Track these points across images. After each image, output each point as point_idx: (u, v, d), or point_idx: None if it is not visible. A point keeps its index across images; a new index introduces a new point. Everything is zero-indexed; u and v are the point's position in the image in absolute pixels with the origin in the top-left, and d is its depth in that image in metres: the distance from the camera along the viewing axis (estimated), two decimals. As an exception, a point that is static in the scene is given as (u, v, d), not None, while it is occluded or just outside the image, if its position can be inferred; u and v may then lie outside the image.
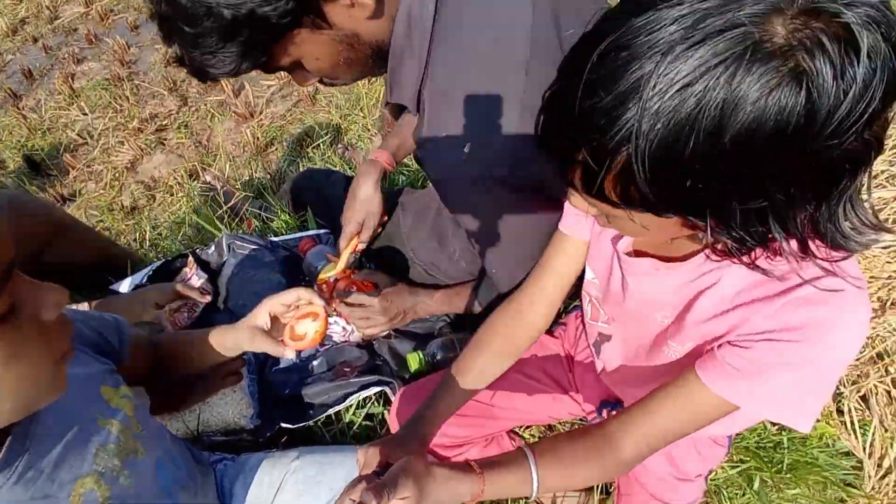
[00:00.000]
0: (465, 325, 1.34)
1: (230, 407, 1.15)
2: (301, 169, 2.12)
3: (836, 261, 0.53)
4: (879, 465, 1.21)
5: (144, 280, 1.39)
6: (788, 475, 1.17)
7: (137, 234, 2.07)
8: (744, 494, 1.18)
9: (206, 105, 2.61)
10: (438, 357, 1.20)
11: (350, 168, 2.10)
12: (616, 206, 0.52)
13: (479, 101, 0.83)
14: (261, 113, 2.56)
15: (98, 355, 0.78)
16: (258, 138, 2.40)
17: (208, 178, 2.03)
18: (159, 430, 0.83)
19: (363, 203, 1.23)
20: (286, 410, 1.17)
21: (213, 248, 1.43)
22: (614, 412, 0.97)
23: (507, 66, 0.82)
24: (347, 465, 0.97)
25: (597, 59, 0.47)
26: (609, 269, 0.82)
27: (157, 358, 0.97)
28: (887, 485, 1.20)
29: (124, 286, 1.38)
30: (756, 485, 1.15)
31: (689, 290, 0.70)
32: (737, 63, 0.42)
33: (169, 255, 1.92)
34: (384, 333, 1.31)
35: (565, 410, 1.12)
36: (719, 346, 0.65)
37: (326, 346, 1.31)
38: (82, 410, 0.69)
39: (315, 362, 1.25)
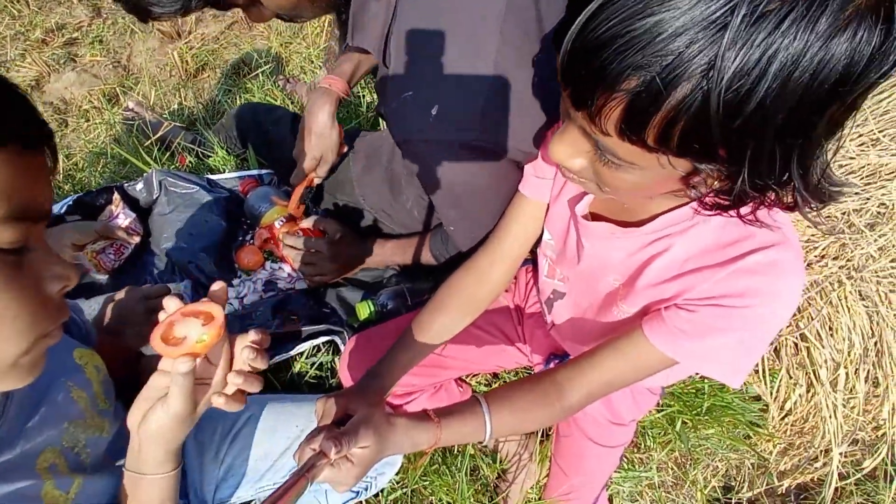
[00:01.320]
0: (416, 275, 1.33)
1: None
2: (239, 102, 1.96)
3: (819, 209, 0.53)
4: (782, 408, 1.36)
5: (62, 210, 1.26)
6: (706, 417, 1.29)
7: (48, 163, 1.86)
8: (666, 434, 1.29)
9: (123, 19, 2.33)
10: (389, 306, 1.18)
11: (293, 103, 1.97)
12: (649, 150, 0.49)
13: (450, 60, 0.78)
14: (189, 33, 2.32)
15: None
16: (187, 62, 2.18)
17: (131, 105, 1.83)
18: (118, 409, 0.78)
19: (320, 136, 1.15)
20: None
21: (141, 184, 1.31)
22: (562, 364, 1.01)
23: (479, 23, 0.77)
24: (303, 413, 0.95)
25: None
26: (566, 231, 0.83)
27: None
28: (786, 424, 1.36)
29: (38, 222, 1.24)
30: (678, 426, 1.26)
31: (641, 255, 0.72)
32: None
33: (87, 186, 1.75)
34: (331, 281, 1.28)
35: (512, 360, 1.16)
36: (666, 307, 0.69)
37: (272, 293, 1.26)
38: (56, 377, 0.66)
39: (260, 309, 1.20)
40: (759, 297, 0.62)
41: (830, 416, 1.29)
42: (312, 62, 2.16)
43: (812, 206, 0.52)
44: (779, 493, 1.41)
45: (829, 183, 0.50)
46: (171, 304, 0.62)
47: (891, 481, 1.33)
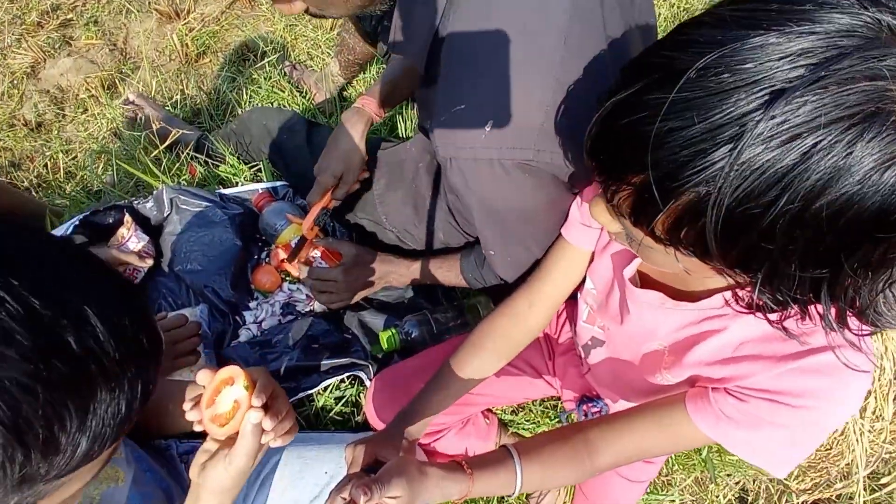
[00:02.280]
0: (437, 296, 1.29)
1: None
2: (245, 93, 1.86)
3: (865, 334, 0.51)
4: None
5: (69, 231, 1.20)
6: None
7: (48, 160, 1.78)
8: (691, 460, 1.28)
9: (119, -4, 2.19)
10: (414, 335, 1.15)
11: (301, 93, 1.87)
12: (658, 242, 0.48)
13: (507, 71, 0.70)
14: (188, 13, 2.18)
15: None
16: (187, 45, 2.07)
17: (131, 97, 1.74)
18: (131, 450, 0.75)
19: (345, 155, 1.09)
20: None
21: (151, 201, 1.25)
22: (595, 408, 0.99)
23: (543, 30, 0.69)
24: (331, 458, 0.93)
25: (696, 73, 0.39)
26: (609, 288, 0.79)
27: None
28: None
29: (45, 241, 1.18)
30: (704, 453, 1.25)
31: (693, 330, 0.68)
32: (862, 125, 0.36)
33: (90, 186, 1.68)
34: (348, 305, 1.23)
35: (540, 392, 1.13)
36: (714, 388, 0.65)
37: (290, 318, 1.23)
38: None
39: (279, 336, 1.17)
40: (820, 399, 0.58)
41: (857, 442, 1.28)
42: (320, 47, 2.05)
43: (853, 329, 0.48)
44: (796, 505, 1.42)
45: (887, 308, 0.46)
46: (203, 377, 0.63)
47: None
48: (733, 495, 1.39)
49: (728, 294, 0.61)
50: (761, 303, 0.51)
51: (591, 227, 0.79)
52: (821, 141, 0.36)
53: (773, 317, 0.52)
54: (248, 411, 0.60)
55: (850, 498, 1.36)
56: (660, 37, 0.48)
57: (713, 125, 0.38)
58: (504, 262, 0.95)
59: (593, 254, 0.81)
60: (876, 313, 0.46)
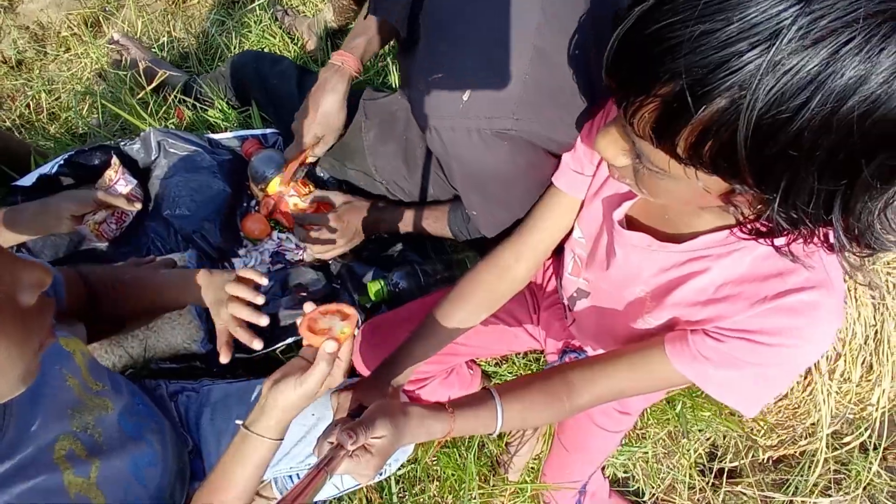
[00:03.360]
0: (426, 249, 1.30)
1: (178, 331, 1.08)
2: (235, 37, 1.81)
3: (864, 256, 0.51)
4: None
5: (54, 170, 1.18)
6: (703, 400, 1.33)
7: (31, 100, 1.73)
8: (665, 415, 1.33)
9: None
10: (401, 286, 1.16)
11: (293, 41, 1.82)
12: (679, 161, 0.47)
13: (485, 40, 0.70)
14: (175, -52, 2.09)
15: None
16: (174, -15, 1.99)
17: (116, 37, 1.68)
18: (115, 383, 0.77)
19: (325, 116, 1.07)
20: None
21: (138, 143, 1.22)
22: (577, 358, 1.01)
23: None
24: (318, 402, 0.96)
25: None
26: (598, 234, 0.80)
27: (88, 289, 0.87)
28: (780, 407, 1.41)
29: (28, 180, 1.17)
30: (678, 408, 1.30)
31: (675, 273, 0.69)
32: (892, 24, 0.36)
33: (74, 128, 1.64)
34: (341, 253, 1.24)
35: (524, 344, 1.16)
36: (693, 330, 0.67)
37: (279, 266, 1.23)
38: (51, 365, 0.66)
39: (268, 283, 1.17)
40: (793, 338, 0.60)
41: (823, 402, 1.33)
42: (313, -8, 1.98)
43: (855, 251, 0.49)
44: (759, 462, 1.49)
45: (882, 230, 0.46)
46: (308, 306, 0.73)
47: (866, 454, 1.41)
48: (703, 450, 1.46)
49: (720, 233, 0.62)
50: (766, 229, 0.52)
51: (582, 173, 0.79)
52: (855, 37, 0.36)
53: (780, 242, 0.52)
54: (326, 342, 0.66)
55: (813, 454, 1.43)
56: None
57: (748, 24, 0.37)
58: (487, 221, 0.96)
59: (582, 203, 0.82)
60: (873, 235, 0.46)
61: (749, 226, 0.54)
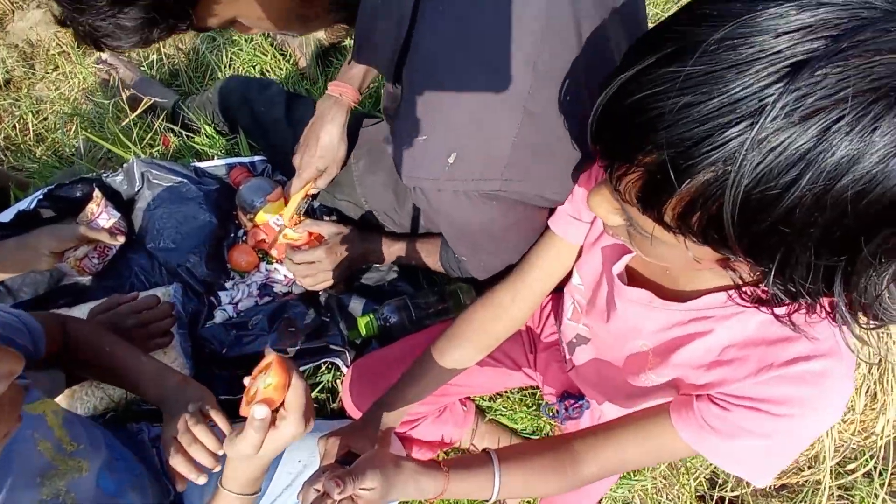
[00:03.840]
0: (418, 280, 1.27)
1: (161, 370, 1.05)
2: (225, 55, 1.78)
3: (872, 328, 0.48)
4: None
5: (33, 205, 1.15)
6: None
7: (18, 121, 1.70)
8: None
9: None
10: (392, 320, 1.13)
11: (284, 56, 1.79)
12: (667, 230, 0.45)
13: (473, 99, 0.66)
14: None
15: None
16: (165, 0, 1.95)
17: (104, 56, 1.65)
18: (93, 439, 0.75)
19: (327, 149, 1.06)
20: (225, 376, 1.08)
21: (121, 175, 1.19)
22: (576, 405, 0.98)
23: (510, 54, 0.65)
24: (305, 447, 0.93)
25: (712, 45, 0.37)
26: (597, 283, 0.77)
27: (65, 336, 0.84)
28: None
29: (6, 216, 1.14)
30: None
31: (679, 331, 0.66)
32: (888, 99, 0.34)
33: (61, 150, 1.61)
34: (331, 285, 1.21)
35: (519, 383, 1.13)
36: (698, 397, 0.65)
37: (268, 299, 1.20)
38: (20, 433, 0.63)
39: (256, 318, 1.14)
40: (802, 408, 0.57)
41: (826, 434, 1.30)
42: (306, 8, 1.94)
43: (861, 324, 0.46)
44: (762, 490, 1.46)
45: (892, 300, 0.43)
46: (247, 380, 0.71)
47: (871, 480, 1.38)
48: (704, 477, 1.43)
49: (725, 293, 0.59)
50: (766, 297, 0.49)
51: (580, 220, 0.76)
52: (845, 115, 0.34)
53: (780, 311, 0.50)
54: (254, 405, 0.63)
55: (818, 482, 1.39)
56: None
57: (732, 99, 0.36)
58: (477, 268, 0.94)
59: (581, 248, 0.79)
60: (882, 307, 0.44)
61: (749, 291, 0.51)
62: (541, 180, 0.74)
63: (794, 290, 0.44)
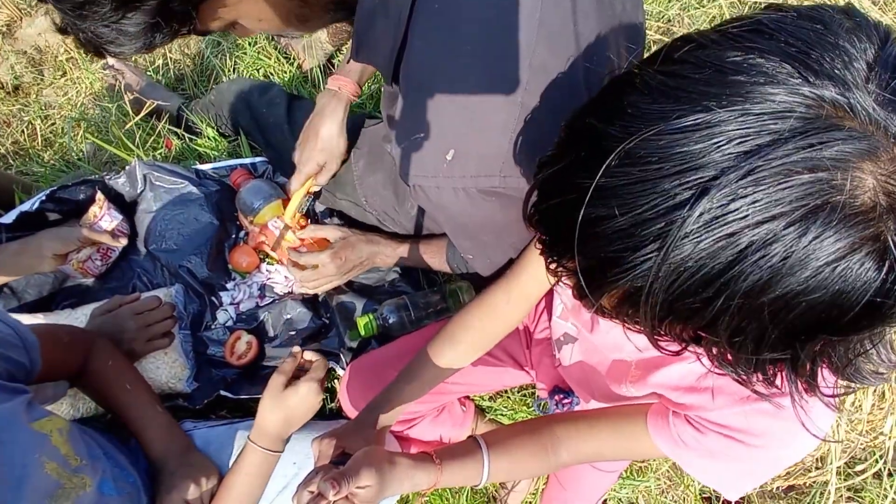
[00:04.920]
0: (418, 279, 1.27)
1: (163, 370, 1.06)
2: (230, 59, 1.79)
3: (841, 395, 0.48)
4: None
5: (35, 206, 1.17)
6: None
7: (26, 126, 1.73)
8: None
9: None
10: (391, 320, 1.13)
11: (288, 60, 1.80)
12: (606, 316, 0.45)
13: (470, 96, 0.67)
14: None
15: (8, 382, 0.67)
16: (170, 6, 1.98)
17: (111, 61, 1.67)
18: (93, 452, 0.75)
19: (326, 143, 1.06)
20: (226, 376, 1.09)
21: (124, 177, 1.21)
22: (566, 400, 0.98)
23: (507, 51, 0.65)
24: (299, 449, 0.93)
25: (617, 161, 0.36)
26: None
27: (87, 351, 0.87)
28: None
29: (9, 218, 1.15)
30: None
31: (659, 353, 0.66)
32: (804, 222, 0.32)
33: (68, 155, 1.64)
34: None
35: (517, 381, 1.13)
36: (675, 412, 0.65)
37: (268, 299, 1.21)
38: (29, 458, 0.64)
39: (256, 321, 1.15)
40: (777, 441, 0.57)
41: (832, 434, 1.28)
42: (308, 11, 1.96)
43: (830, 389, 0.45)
44: (769, 490, 1.44)
45: (864, 361, 0.41)
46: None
47: (880, 481, 1.35)
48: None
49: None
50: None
51: None
52: (757, 240, 0.33)
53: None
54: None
55: (825, 483, 1.37)
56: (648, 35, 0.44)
57: (639, 219, 0.35)
58: (482, 264, 0.94)
59: None
60: (854, 371, 0.42)
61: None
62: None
63: (744, 372, 0.43)
